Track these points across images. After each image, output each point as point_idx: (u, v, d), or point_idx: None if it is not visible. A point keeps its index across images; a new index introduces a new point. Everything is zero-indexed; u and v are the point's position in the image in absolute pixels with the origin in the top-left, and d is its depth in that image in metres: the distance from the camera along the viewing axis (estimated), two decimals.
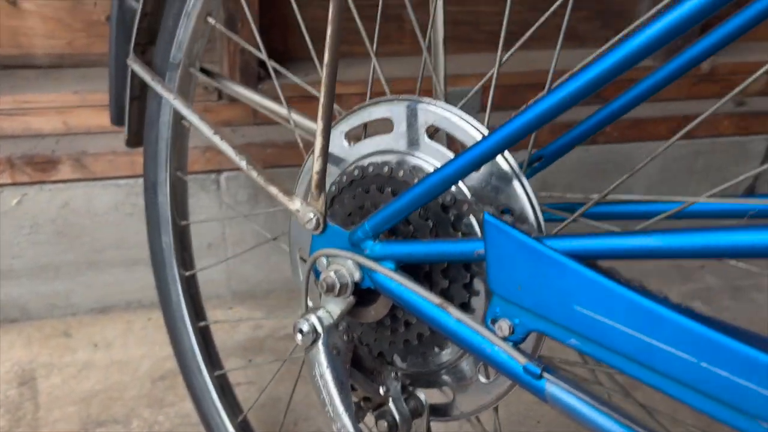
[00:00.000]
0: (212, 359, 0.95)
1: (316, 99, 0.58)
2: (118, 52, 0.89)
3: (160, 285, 0.95)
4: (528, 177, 0.64)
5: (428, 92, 0.68)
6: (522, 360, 0.49)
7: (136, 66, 0.84)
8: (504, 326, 0.50)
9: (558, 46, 0.54)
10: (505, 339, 0.50)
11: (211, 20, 0.81)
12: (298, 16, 0.74)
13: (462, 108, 0.60)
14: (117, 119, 0.94)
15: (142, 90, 0.90)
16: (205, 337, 0.96)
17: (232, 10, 1.18)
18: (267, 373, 1.18)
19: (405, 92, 1.11)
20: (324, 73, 0.56)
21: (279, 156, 1.26)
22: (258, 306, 1.37)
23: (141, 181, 1.20)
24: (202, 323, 0.95)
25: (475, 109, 1.45)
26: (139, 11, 0.84)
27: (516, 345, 0.50)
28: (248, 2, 1.18)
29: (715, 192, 0.53)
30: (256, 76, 1.26)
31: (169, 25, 0.83)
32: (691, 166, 1.48)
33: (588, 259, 0.46)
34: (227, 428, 0.92)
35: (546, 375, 0.48)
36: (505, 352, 0.50)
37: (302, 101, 1.04)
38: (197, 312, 0.95)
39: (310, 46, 0.71)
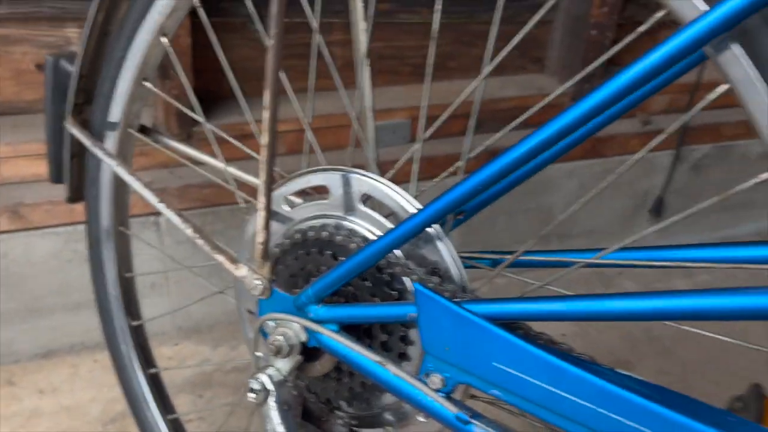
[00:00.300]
0: (165, 404, 0.99)
1: (254, 136, 0.63)
2: (54, 113, 0.91)
3: (109, 336, 0.98)
4: (453, 228, 0.71)
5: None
6: (453, 409, 0.56)
7: (74, 130, 0.86)
8: (436, 380, 0.57)
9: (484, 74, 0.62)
10: (437, 391, 0.57)
11: (147, 84, 0.85)
12: (225, 65, 0.78)
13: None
14: (56, 177, 0.95)
15: (80, 147, 0.93)
16: (156, 383, 0.99)
17: (164, 60, 1.21)
18: (218, 408, 1.22)
19: (338, 128, 1.14)
20: (263, 156, 0.62)
21: (218, 195, 1.29)
22: (203, 340, 1.40)
23: (80, 227, 1.22)
24: (152, 370, 0.98)
25: (405, 140, 1.53)
26: (75, 74, 0.87)
27: (448, 395, 0.57)
28: (180, 58, 1.21)
29: (624, 244, 0.61)
30: (191, 119, 1.29)
31: (105, 89, 0.86)
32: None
33: (504, 321, 0.54)
34: None
35: (473, 421, 0.55)
36: (438, 403, 0.57)
37: (241, 139, 1.08)
38: (147, 360, 0.98)
39: (242, 101, 0.76)
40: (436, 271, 0.63)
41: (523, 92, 1.53)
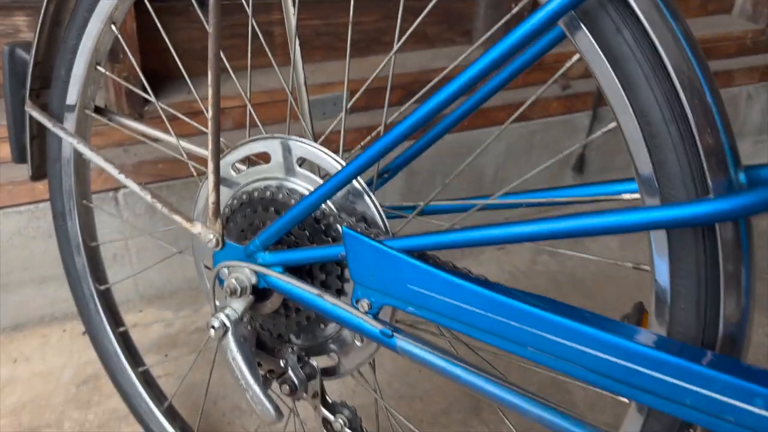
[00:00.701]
0: (134, 358, 1.09)
1: (202, 113, 0.73)
2: (13, 98, 0.99)
3: (79, 301, 1.07)
4: (379, 187, 0.84)
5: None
6: (378, 326, 0.69)
7: (35, 113, 0.95)
8: (364, 304, 0.69)
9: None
10: (366, 313, 0.69)
11: (100, 68, 0.93)
12: (169, 44, 0.88)
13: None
14: (19, 158, 1.03)
15: (40, 129, 1.01)
16: (125, 340, 1.09)
17: (113, 43, 1.29)
18: (183, 364, 1.33)
19: (279, 102, 1.22)
20: (210, 128, 0.72)
21: (171, 169, 1.38)
22: (166, 306, 1.50)
23: (42, 205, 1.29)
24: (121, 329, 1.08)
25: (346, 111, 1.64)
26: (31, 61, 0.95)
27: (375, 316, 0.70)
28: (127, 41, 1.29)
29: (508, 189, 0.75)
30: (141, 99, 1.37)
31: (61, 74, 0.94)
32: (530, 143, 1.75)
33: (416, 251, 0.66)
34: (156, 415, 1.07)
35: (396, 335, 0.68)
36: (366, 322, 0.69)
37: (190, 116, 1.18)
38: (115, 320, 1.08)
39: (188, 80, 0.86)
40: (364, 219, 0.75)
41: (453, 63, 1.65)
